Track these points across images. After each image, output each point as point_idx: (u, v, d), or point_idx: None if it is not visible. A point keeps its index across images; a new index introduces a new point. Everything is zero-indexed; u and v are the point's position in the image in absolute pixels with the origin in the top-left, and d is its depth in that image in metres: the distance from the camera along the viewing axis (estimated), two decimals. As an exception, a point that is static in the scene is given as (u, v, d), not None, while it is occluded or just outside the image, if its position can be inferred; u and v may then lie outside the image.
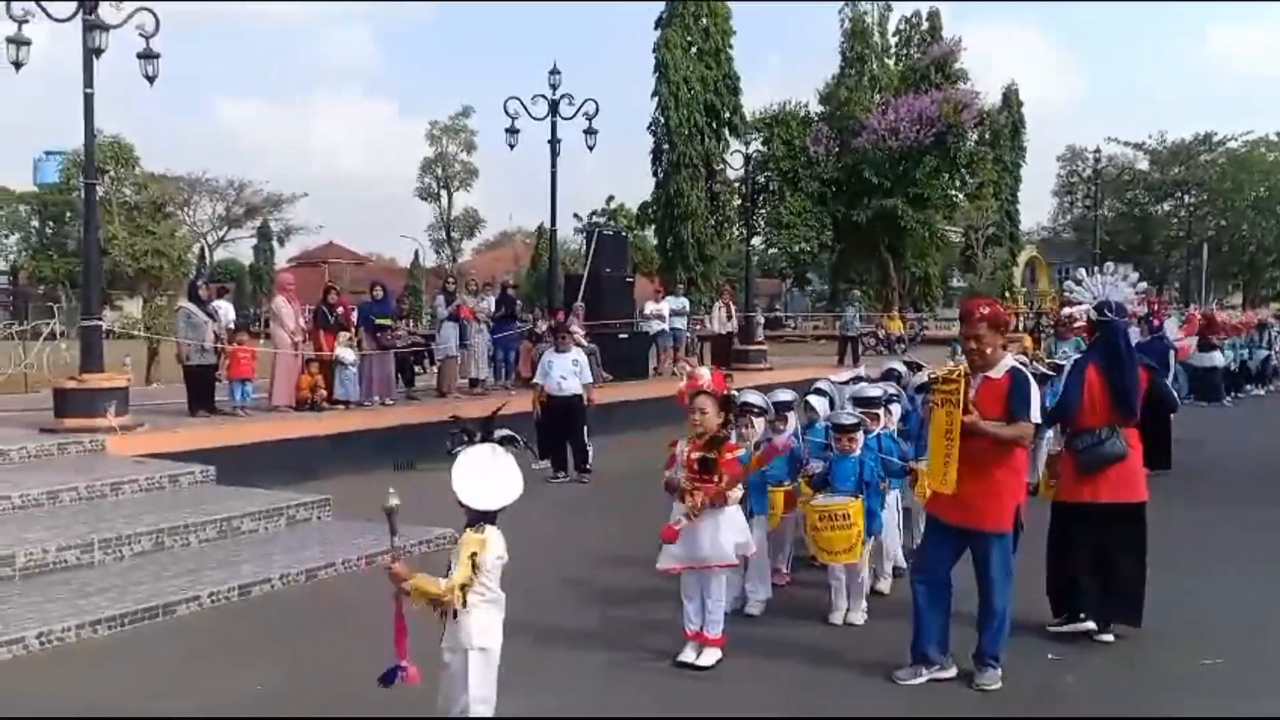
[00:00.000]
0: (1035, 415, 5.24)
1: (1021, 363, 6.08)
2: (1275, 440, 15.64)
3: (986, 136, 42.90)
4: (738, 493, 5.65)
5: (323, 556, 8.00)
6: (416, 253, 70.08)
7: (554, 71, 18.53)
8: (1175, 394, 10.74)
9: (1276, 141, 59.23)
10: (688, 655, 5.70)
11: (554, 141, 18.26)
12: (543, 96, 18.54)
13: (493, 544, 4.12)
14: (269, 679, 5.63)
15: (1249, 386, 22.77)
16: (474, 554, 4.10)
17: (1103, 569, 6.02)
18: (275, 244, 76.13)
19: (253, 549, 8.27)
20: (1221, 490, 11.31)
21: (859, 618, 6.42)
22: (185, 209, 64.31)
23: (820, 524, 6.29)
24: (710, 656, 5.68)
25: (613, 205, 48.73)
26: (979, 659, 5.40)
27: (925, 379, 7.97)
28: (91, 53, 11.21)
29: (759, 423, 6.87)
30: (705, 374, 5.82)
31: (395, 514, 4.08)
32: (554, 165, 17.97)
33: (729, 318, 24.54)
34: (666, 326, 21.30)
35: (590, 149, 18.62)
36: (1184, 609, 6.67)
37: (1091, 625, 6.06)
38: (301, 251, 78.49)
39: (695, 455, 5.60)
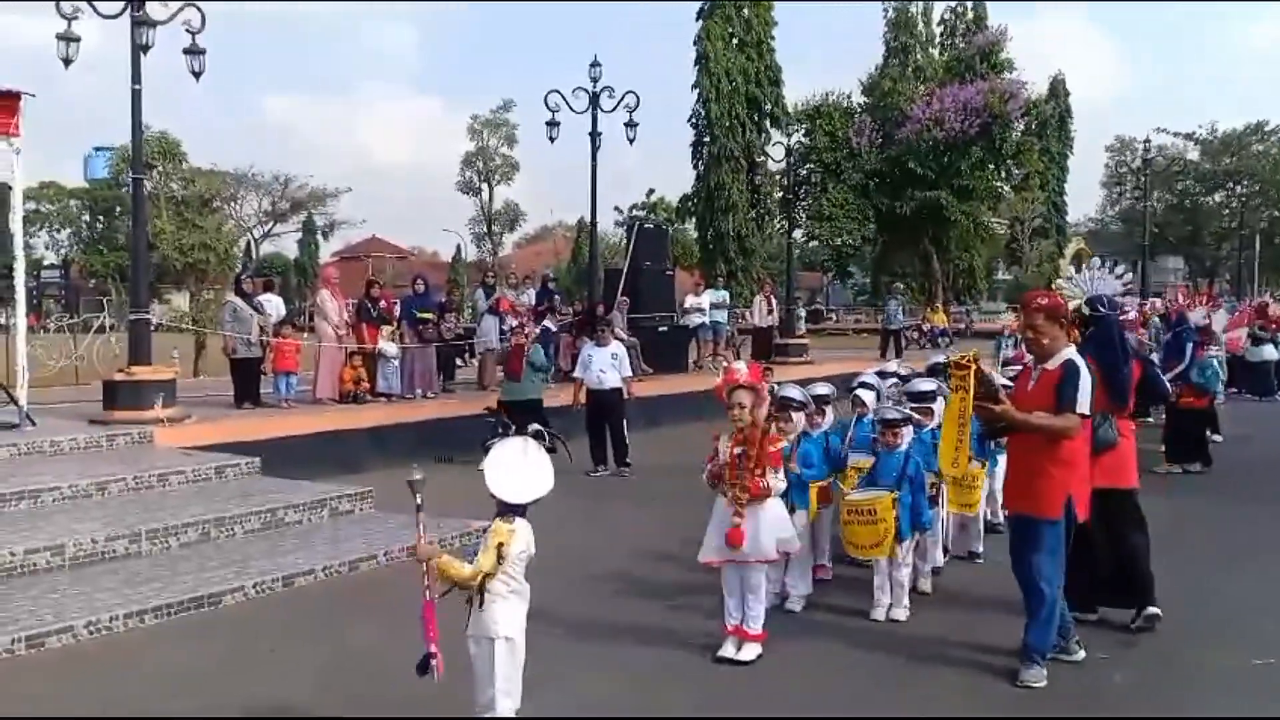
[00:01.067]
0: (1083, 406, 5.16)
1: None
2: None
3: (1033, 127, 42.27)
4: (780, 484, 5.60)
5: (365, 548, 8.06)
6: (459, 247, 70.58)
7: (594, 64, 18.49)
8: (1166, 383, 11.02)
9: (1331, 130, 57.88)
10: (728, 650, 5.68)
11: (594, 135, 18.24)
12: (583, 90, 18.51)
13: (520, 536, 4.14)
14: (312, 669, 5.68)
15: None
16: (501, 544, 4.12)
17: (1092, 553, 5.99)
18: (320, 238, 77.06)
19: (297, 540, 8.35)
20: (1263, 486, 11.10)
21: (902, 614, 6.35)
22: (232, 204, 65.38)
23: (849, 518, 6.25)
24: (751, 651, 5.65)
25: (653, 198, 48.76)
26: (1024, 654, 5.32)
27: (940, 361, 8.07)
28: (139, 49, 11.35)
29: (798, 417, 6.82)
30: (742, 368, 5.78)
31: (420, 487, 4.12)
32: (594, 159, 17.96)
33: (770, 311, 24.45)
34: (706, 320, 21.25)
35: (631, 141, 18.61)
36: (1223, 605, 6.59)
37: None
38: (345, 246, 79.47)
39: (737, 450, 5.58)
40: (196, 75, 12.39)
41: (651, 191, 49.15)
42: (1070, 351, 5.32)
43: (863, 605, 6.48)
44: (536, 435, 4.24)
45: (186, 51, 12.11)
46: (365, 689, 5.35)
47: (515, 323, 12.67)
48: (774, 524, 5.56)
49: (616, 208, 52.92)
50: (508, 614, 4.15)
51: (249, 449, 10.72)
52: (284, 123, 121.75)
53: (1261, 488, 11.00)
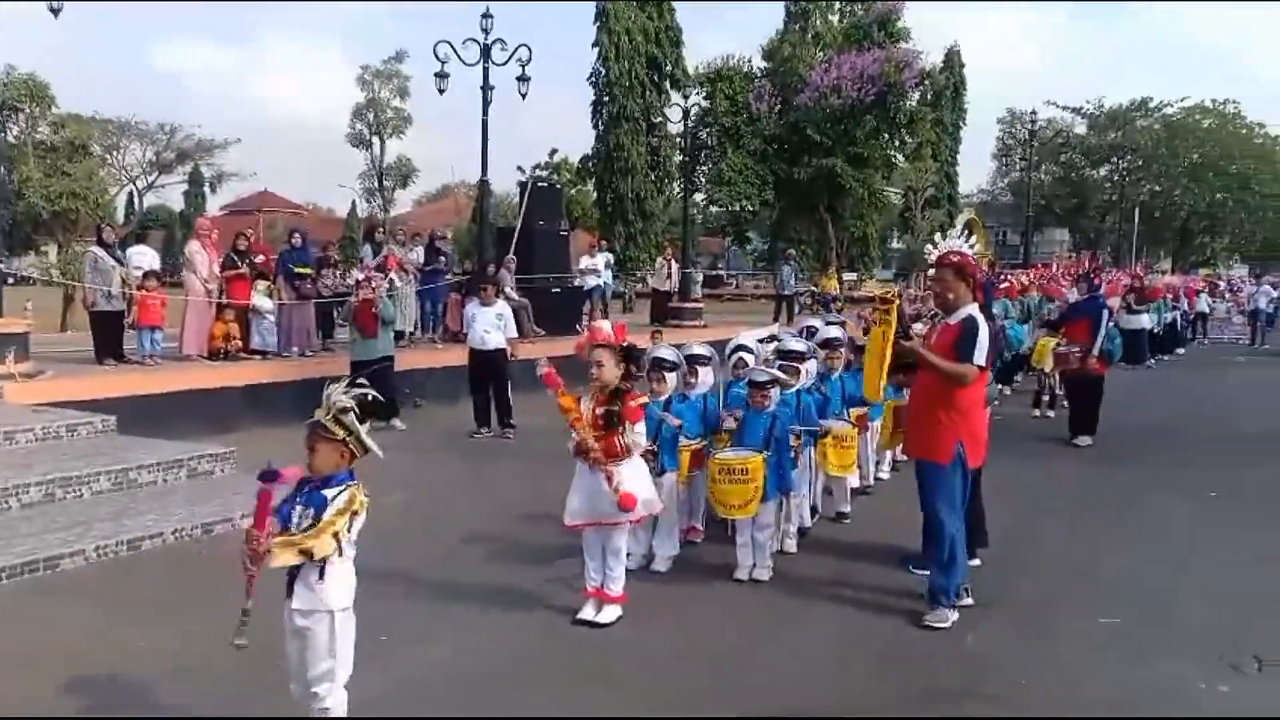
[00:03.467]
0: (979, 359, 5.43)
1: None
2: (1187, 400, 15.97)
3: (928, 97, 42.83)
4: (641, 439, 5.49)
5: (221, 510, 7.72)
6: (354, 202, 68.66)
7: (486, 15, 18.00)
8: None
9: (1212, 108, 59.96)
10: (587, 612, 5.57)
11: (486, 88, 17.76)
12: (475, 41, 18.02)
13: (362, 499, 3.93)
14: (148, 640, 5.39)
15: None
16: (356, 511, 3.89)
17: None
18: (207, 190, 74.21)
19: (149, 502, 7.96)
20: (1155, 452, 11.47)
21: (764, 574, 6.33)
22: (114, 153, 62.37)
23: (720, 477, 6.18)
24: (610, 614, 5.55)
25: (556, 159, 47.99)
26: (930, 595, 5.60)
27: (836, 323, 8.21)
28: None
29: (671, 377, 6.72)
30: (605, 326, 5.63)
31: (272, 479, 3.83)
32: (485, 113, 17.51)
33: (669, 275, 24.40)
34: (602, 281, 21.08)
35: (523, 96, 18.15)
36: (1101, 572, 6.77)
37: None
38: (236, 199, 76.74)
39: (599, 410, 5.44)
40: (55, 12, 11.66)
41: (554, 152, 48.25)
42: (973, 308, 5.56)
43: (730, 566, 6.43)
44: (368, 400, 4.01)
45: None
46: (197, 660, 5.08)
47: (361, 276, 12.21)
48: (635, 485, 5.44)
49: (519, 168, 51.92)
50: (347, 584, 3.94)
51: (108, 407, 10.23)
52: (172, 70, 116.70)
53: (1154, 453, 11.36)
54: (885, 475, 9.28)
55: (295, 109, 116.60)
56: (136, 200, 64.75)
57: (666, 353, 6.73)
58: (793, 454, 6.63)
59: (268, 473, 3.84)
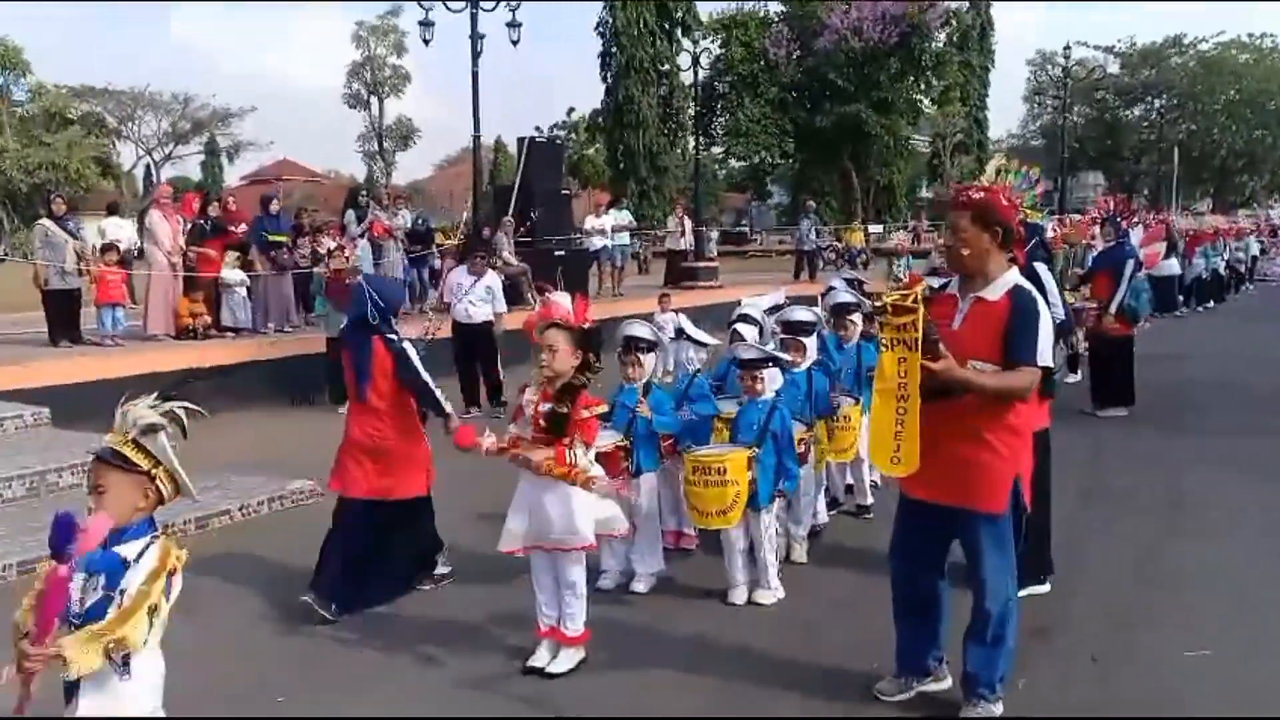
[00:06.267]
0: (1045, 357, 3.65)
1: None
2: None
3: (953, 39, 41.07)
4: (593, 470, 4.35)
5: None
6: (370, 167, 67.53)
7: (476, -41, 16.75)
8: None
9: (1248, 43, 57.65)
10: (539, 658, 4.50)
11: (475, 37, 16.52)
12: (464, -12, 16.78)
13: (178, 555, 2.84)
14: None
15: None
16: (173, 570, 2.82)
17: None
18: (225, 161, 73.46)
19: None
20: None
21: (768, 597, 5.21)
22: (128, 124, 61.94)
23: (694, 478, 5.03)
24: (567, 660, 4.47)
25: (574, 117, 46.55)
26: (966, 686, 3.92)
27: (867, 306, 6.73)
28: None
29: (649, 359, 5.59)
30: (563, 302, 4.50)
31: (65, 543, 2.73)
32: (475, 64, 16.28)
33: (683, 233, 23.19)
34: (609, 243, 19.86)
35: (515, 44, 16.91)
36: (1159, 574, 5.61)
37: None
38: (258, 169, 75.81)
39: (544, 407, 4.33)
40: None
41: (572, 110, 46.78)
42: (1015, 275, 3.79)
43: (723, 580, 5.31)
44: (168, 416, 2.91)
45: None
46: None
47: (333, 244, 11.11)
48: (589, 501, 4.33)
49: (537, 127, 50.61)
50: (156, 681, 2.85)
51: (44, 396, 9.23)
52: (188, 39, 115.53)
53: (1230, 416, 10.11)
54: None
55: (314, 76, 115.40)
56: (154, 172, 64.21)
57: (641, 330, 5.60)
58: (801, 447, 5.51)
59: (62, 528, 2.77)
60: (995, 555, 3.76)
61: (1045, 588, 5.15)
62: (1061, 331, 4.47)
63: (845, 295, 6.94)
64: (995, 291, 3.73)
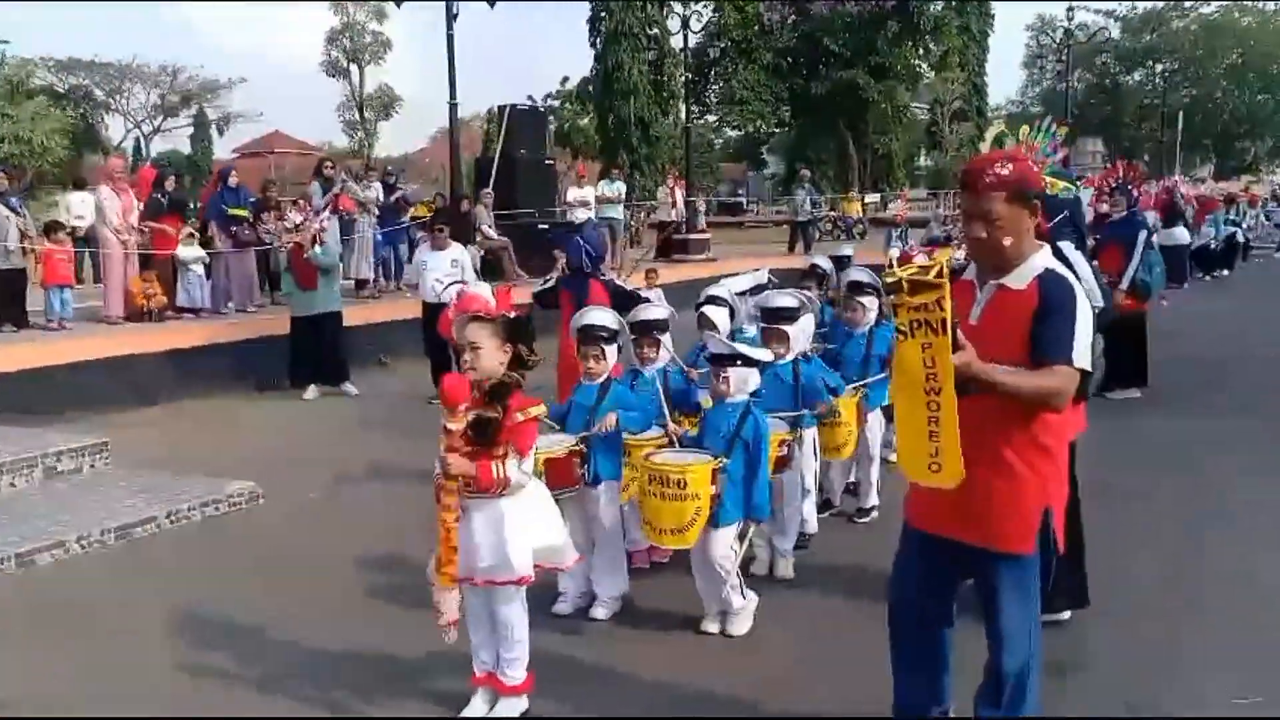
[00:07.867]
0: (1082, 358, 2.92)
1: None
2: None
3: (952, 2, 40.07)
4: (525, 479, 3.68)
5: (57, 530, 5.99)
6: (362, 140, 66.42)
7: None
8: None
9: (1251, 6, 56.63)
10: (474, 708, 3.83)
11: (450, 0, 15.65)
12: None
13: None
14: None
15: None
16: None
17: None
18: (214, 133, 72.40)
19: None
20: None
21: (742, 626, 4.52)
22: (117, 97, 61.09)
23: (650, 488, 4.30)
24: (506, 710, 3.79)
25: (567, 86, 45.42)
26: None
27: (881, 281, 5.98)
28: None
29: (611, 351, 4.89)
30: (483, 293, 3.80)
31: None
32: (450, 28, 15.42)
33: (675, 204, 22.43)
34: (593, 215, 19.06)
35: (491, 5, 15.99)
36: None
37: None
38: (251, 141, 74.60)
39: (471, 415, 3.63)
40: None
41: (565, 80, 45.61)
42: (1046, 257, 3.07)
43: (700, 605, 4.64)
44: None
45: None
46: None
47: (299, 219, 10.37)
48: (528, 526, 3.65)
49: (530, 97, 49.37)
50: None
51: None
52: (180, 15, 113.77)
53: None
54: (893, 458, 7.35)
55: (303, 46, 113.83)
56: (143, 145, 63.28)
57: (603, 319, 4.89)
58: (784, 450, 4.82)
59: None
60: (1017, 604, 3.05)
61: (1065, 615, 4.46)
62: (1101, 323, 3.63)
63: (861, 273, 6.23)
64: (1021, 278, 3.00)
